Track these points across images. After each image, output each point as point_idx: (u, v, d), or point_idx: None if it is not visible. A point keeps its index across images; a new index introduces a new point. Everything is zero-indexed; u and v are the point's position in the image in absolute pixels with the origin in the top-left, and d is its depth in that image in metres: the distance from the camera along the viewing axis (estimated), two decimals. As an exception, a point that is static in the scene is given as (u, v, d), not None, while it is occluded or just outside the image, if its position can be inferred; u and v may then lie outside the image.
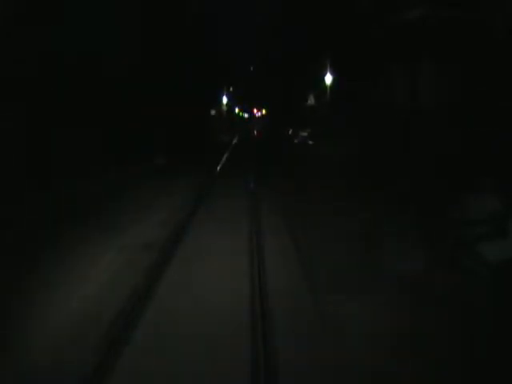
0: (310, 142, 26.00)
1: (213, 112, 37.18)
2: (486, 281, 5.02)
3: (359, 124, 17.94)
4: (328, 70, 24.12)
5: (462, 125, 10.62)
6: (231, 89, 50.73)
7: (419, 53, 12.87)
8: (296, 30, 31.28)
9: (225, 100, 42.03)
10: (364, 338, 3.67)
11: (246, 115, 76.27)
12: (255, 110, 74.07)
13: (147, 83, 16.99)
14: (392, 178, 10.73)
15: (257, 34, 62.21)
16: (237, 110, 68.48)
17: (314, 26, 25.28)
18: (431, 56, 12.46)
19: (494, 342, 3.71)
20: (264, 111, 66.22)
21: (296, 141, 28.35)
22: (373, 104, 16.80)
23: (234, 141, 35.69)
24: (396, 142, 13.46)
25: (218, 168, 16.03)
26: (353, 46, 18.88)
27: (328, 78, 24.46)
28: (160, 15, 19.16)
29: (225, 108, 42.55)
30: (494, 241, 5.71)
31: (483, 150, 8.93)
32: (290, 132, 32.40)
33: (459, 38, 11.48)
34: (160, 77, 18.91)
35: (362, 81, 17.92)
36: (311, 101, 28.16)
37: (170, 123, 20.48)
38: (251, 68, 62.66)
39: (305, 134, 28.10)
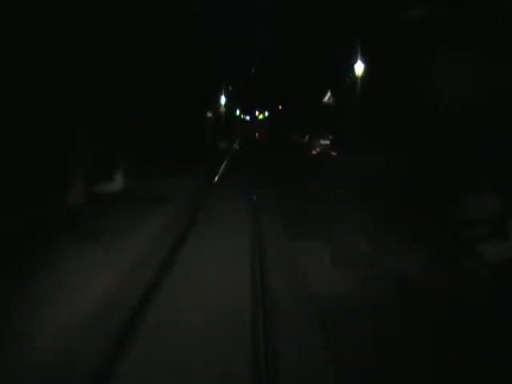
0: (334, 154, 20.97)
1: (209, 114, 33.95)
2: (485, 281, 5.01)
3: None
4: (358, 57, 18.44)
5: (462, 125, 10.62)
6: (230, 88, 49.84)
7: (419, 52, 12.88)
8: (296, 30, 31.27)
9: (223, 100, 40.08)
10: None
11: (247, 117, 75.43)
12: (257, 112, 73.71)
13: (147, 83, 16.94)
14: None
15: (257, 34, 62.33)
16: (238, 112, 67.61)
17: (315, 24, 25.21)
18: (431, 56, 12.47)
19: (494, 342, 3.70)
20: (266, 113, 65.94)
21: (314, 151, 22.40)
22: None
23: (235, 146, 33.52)
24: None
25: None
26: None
27: (359, 67, 18.51)
28: (160, 15, 19.14)
29: (223, 109, 40.63)
30: (494, 241, 5.71)
31: (483, 149, 8.93)
32: (306, 139, 26.12)
33: (459, 38, 11.49)
34: (160, 76, 18.86)
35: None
36: (329, 99, 22.76)
37: (159, 125, 18.35)
38: (252, 70, 62.51)
39: (326, 141, 22.32)
